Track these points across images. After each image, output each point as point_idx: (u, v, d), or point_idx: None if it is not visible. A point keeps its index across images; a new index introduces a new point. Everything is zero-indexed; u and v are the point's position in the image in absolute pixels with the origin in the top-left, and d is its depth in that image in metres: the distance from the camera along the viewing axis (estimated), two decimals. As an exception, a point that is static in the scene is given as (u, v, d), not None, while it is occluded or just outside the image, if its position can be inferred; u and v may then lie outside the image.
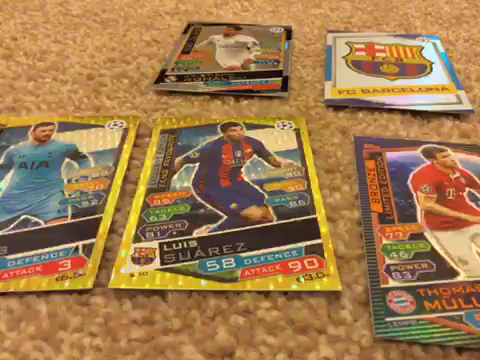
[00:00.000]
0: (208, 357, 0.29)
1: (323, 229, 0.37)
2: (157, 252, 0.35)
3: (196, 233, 0.37)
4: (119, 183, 0.41)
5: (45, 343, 0.30)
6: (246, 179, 0.42)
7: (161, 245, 0.36)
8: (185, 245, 0.36)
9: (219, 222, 0.38)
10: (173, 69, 0.58)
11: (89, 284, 0.33)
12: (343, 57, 0.62)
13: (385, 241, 0.36)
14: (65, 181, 0.42)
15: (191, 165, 0.44)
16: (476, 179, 0.42)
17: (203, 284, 0.33)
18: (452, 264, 0.34)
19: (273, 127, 0.48)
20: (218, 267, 0.34)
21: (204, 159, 0.44)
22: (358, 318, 0.31)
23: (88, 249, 0.35)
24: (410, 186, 0.41)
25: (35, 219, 0.38)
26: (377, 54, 0.62)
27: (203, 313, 0.32)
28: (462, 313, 0.31)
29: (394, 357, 0.29)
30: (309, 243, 0.36)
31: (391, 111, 0.51)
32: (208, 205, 0.39)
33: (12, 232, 0.37)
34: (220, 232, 0.37)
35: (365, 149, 0.45)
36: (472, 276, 0.33)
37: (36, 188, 0.41)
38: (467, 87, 0.55)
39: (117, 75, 0.56)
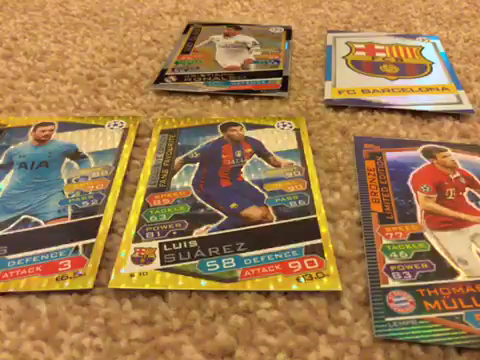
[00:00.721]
0: (208, 357, 0.29)
1: (323, 229, 0.37)
2: (157, 252, 0.35)
3: (196, 233, 0.37)
4: (119, 183, 0.41)
5: (45, 343, 0.30)
6: (246, 179, 0.42)
7: (161, 245, 0.36)
8: (185, 245, 0.36)
9: (219, 222, 0.38)
10: (173, 69, 0.58)
11: (89, 284, 0.33)
12: (343, 57, 0.62)
13: (385, 241, 0.36)
14: (65, 181, 0.42)
15: (191, 165, 0.44)
16: (476, 179, 0.42)
17: (203, 284, 0.33)
18: (452, 264, 0.34)
19: (273, 127, 0.48)
20: (218, 267, 0.34)
21: (204, 159, 0.44)
22: (358, 318, 0.31)
23: (88, 249, 0.35)
24: (410, 186, 0.41)
25: (35, 219, 0.38)
26: (377, 54, 0.62)
27: (203, 313, 0.32)
28: (462, 313, 0.31)
29: (394, 357, 0.29)
30: (309, 243, 0.36)
31: (391, 111, 0.51)
32: (208, 205, 0.39)
33: (12, 232, 0.37)
34: (220, 232, 0.37)
35: (365, 149, 0.45)
36: (472, 276, 0.33)
37: (36, 188, 0.41)
38: (467, 87, 0.55)
39: (117, 75, 0.56)
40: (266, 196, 0.40)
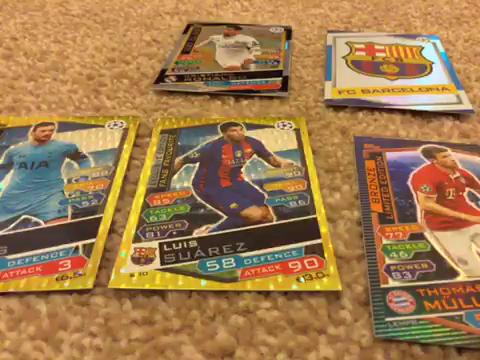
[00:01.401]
0: (208, 357, 0.29)
1: (323, 229, 0.37)
2: (157, 252, 0.35)
3: (196, 233, 0.37)
4: (119, 183, 0.41)
5: (45, 343, 0.30)
6: (246, 179, 0.42)
7: (161, 245, 0.36)
8: (185, 245, 0.36)
9: (219, 222, 0.38)
10: (173, 69, 0.58)
11: (89, 284, 0.33)
12: (343, 57, 0.62)
13: (385, 241, 0.36)
14: (65, 181, 0.42)
15: (191, 165, 0.44)
16: (476, 179, 0.42)
17: (203, 284, 0.33)
18: (452, 264, 0.34)
19: (273, 127, 0.48)
20: (218, 267, 0.34)
21: (204, 159, 0.44)
22: (358, 318, 0.31)
23: (88, 249, 0.35)
24: (410, 186, 0.41)
25: (35, 219, 0.38)
26: (377, 54, 0.62)
27: (203, 313, 0.32)
28: (462, 313, 0.31)
29: (394, 357, 0.29)
30: (309, 243, 0.36)
31: (391, 111, 0.51)
32: (208, 205, 0.39)
33: (12, 232, 0.37)
34: (220, 232, 0.37)
35: (365, 149, 0.45)
36: (472, 276, 0.33)
37: (36, 188, 0.41)
38: (467, 87, 0.55)
39: (117, 75, 0.56)
40: (266, 196, 0.40)
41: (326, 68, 0.59)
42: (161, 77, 0.56)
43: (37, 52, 0.61)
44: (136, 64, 0.59)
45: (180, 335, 0.30)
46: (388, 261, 0.34)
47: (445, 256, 0.35)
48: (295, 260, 0.34)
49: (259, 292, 0.33)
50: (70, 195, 0.40)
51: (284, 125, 0.49)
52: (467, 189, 0.41)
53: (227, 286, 0.33)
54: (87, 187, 0.41)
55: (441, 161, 0.44)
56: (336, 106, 0.52)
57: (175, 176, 0.42)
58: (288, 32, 0.68)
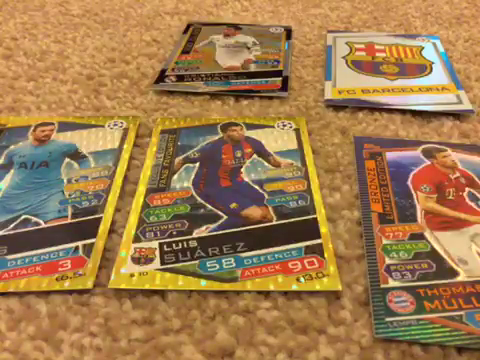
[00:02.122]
0: (208, 357, 0.29)
1: (323, 229, 0.37)
2: (157, 252, 0.35)
3: (196, 233, 0.37)
4: (119, 183, 0.41)
5: (45, 343, 0.30)
6: (246, 179, 0.42)
7: (161, 245, 0.36)
8: (185, 245, 0.36)
9: (219, 222, 0.38)
10: (173, 69, 0.58)
11: (89, 284, 0.33)
12: (343, 57, 0.62)
13: (385, 241, 0.36)
14: (65, 181, 0.42)
15: (191, 165, 0.44)
16: (476, 179, 0.42)
17: (203, 284, 0.33)
18: (452, 264, 0.34)
19: (273, 127, 0.48)
20: (218, 267, 0.34)
21: (204, 159, 0.44)
22: (358, 318, 0.31)
23: (88, 249, 0.35)
24: (410, 186, 0.41)
25: (35, 219, 0.38)
26: (377, 54, 0.62)
27: (203, 313, 0.32)
28: (462, 313, 0.31)
29: (394, 357, 0.29)
30: (309, 243, 0.36)
31: (391, 111, 0.51)
32: (208, 205, 0.39)
33: (12, 232, 0.37)
34: (220, 232, 0.37)
35: (365, 149, 0.45)
36: (472, 276, 0.33)
37: (36, 188, 0.41)
38: (467, 87, 0.55)
39: (117, 75, 0.56)
40: (266, 196, 0.40)
41: (326, 68, 0.59)
42: (161, 77, 0.56)
43: (37, 52, 0.61)
44: (136, 64, 0.59)
45: (180, 335, 0.30)
46: (388, 261, 0.34)
47: (445, 256, 0.35)
48: (295, 260, 0.34)
49: (259, 292, 0.33)
50: (70, 195, 0.40)
51: (284, 125, 0.49)
52: (467, 189, 0.41)
53: (227, 286, 0.33)
54: (87, 187, 0.41)
55: (441, 161, 0.44)
56: (336, 106, 0.52)
57: (175, 176, 0.42)
58: (288, 32, 0.68)
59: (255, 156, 0.45)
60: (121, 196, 0.40)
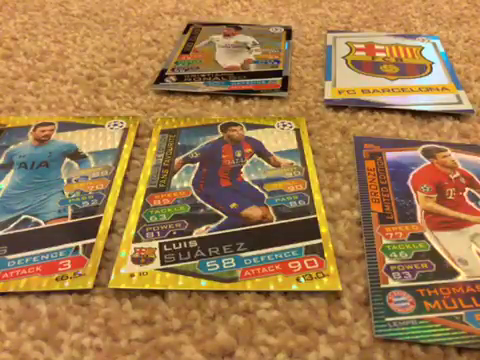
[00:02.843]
0: (208, 357, 0.29)
1: (323, 229, 0.37)
2: (157, 252, 0.35)
3: (196, 233, 0.37)
4: (119, 183, 0.41)
5: (45, 343, 0.30)
6: (246, 179, 0.42)
7: (161, 245, 0.36)
8: (185, 245, 0.36)
9: (219, 222, 0.38)
10: (173, 69, 0.58)
11: (89, 284, 0.33)
12: (343, 57, 0.62)
13: (385, 241, 0.36)
14: (65, 181, 0.42)
15: (191, 165, 0.44)
16: (476, 179, 0.42)
17: (203, 284, 0.33)
18: (452, 264, 0.34)
19: (273, 127, 0.48)
20: (218, 267, 0.34)
21: (204, 159, 0.44)
22: (358, 318, 0.31)
23: (88, 249, 0.35)
24: (410, 186, 0.41)
25: (35, 219, 0.38)
26: (377, 54, 0.62)
27: (203, 313, 0.32)
28: (462, 313, 0.31)
29: (394, 357, 0.29)
30: (309, 243, 0.36)
31: (391, 111, 0.51)
32: (208, 205, 0.39)
33: (12, 232, 0.37)
34: (220, 232, 0.37)
35: (365, 149, 0.45)
36: (472, 276, 0.33)
37: (36, 188, 0.41)
38: (467, 87, 0.55)
39: (117, 75, 0.56)
40: (266, 196, 0.40)
41: (326, 68, 0.59)
42: (161, 77, 0.56)
43: (37, 52, 0.61)
44: (136, 64, 0.59)
45: (180, 335, 0.30)
46: (388, 261, 0.34)
47: (445, 256, 0.35)
48: (295, 260, 0.34)
49: (259, 292, 0.33)
50: (70, 195, 0.40)
51: (284, 125, 0.49)
52: (467, 189, 0.41)
53: (227, 286, 0.33)
54: (87, 187, 0.41)
55: (441, 161, 0.44)
56: (336, 106, 0.52)
57: (175, 176, 0.42)
58: (288, 32, 0.68)
59: (255, 156, 0.45)
60: (121, 196, 0.40)
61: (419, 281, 0.33)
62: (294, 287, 0.32)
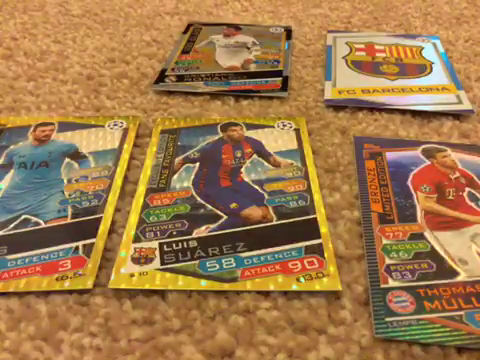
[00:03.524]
0: (208, 357, 0.29)
1: (323, 229, 0.37)
2: (157, 252, 0.35)
3: (196, 233, 0.37)
4: (119, 183, 0.41)
5: (45, 343, 0.30)
6: (246, 179, 0.42)
7: (161, 245, 0.36)
8: (185, 245, 0.36)
9: (219, 222, 0.38)
10: (173, 69, 0.58)
11: (89, 284, 0.33)
12: (343, 57, 0.62)
13: (385, 241, 0.36)
14: (65, 181, 0.42)
15: (191, 165, 0.44)
16: (476, 179, 0.42)
17: (203, 284, 0.33)
18: (452, 264, 0.34)
19: (273, 127, 0.48)
20: (218, 267, 0.34)
21: (204, 159, 0.44)
22: (358, 318, 0.31)
23: (88, 249, 0.35)
24: (410, 186, 0.41)
25: (35, 219, 0.38)
26: (377, 54, 0.62)
27: (203, 313, 0.32)
28: (462, 313, 0.31)
29: (394, 357, 0.29)
30: (309, 243, 0.36)
31: (391, 111, 0.51)
32: (208, 205, 0.39)
33: (12, 232, 0.37)
34: (220, 232, 0.37)
35: (365, 149, 0.45)
36: (472, 276, 0.33)
37: (36, 188, 0.41)
38: (467, 87, 0.55)
39: (117, 75, 0.56)
40: (266, 196, 0.40)
41: (326, 68, 0.59)
42: (161, 77, 0.56)
43: (37, 52, 0.61)
44: (136, 64, 0.59)
45: (180, 335, 0.30)
46: (388, 261, 0.34)
47: (445, 256, 0.35)
48: (295, 260, 0.34)
49: (259, 292, 0.33)
50: (70, 195, 0.40)
51: (284, 125, 0.49)
52: (467, 189, 0.41)
53: (227, 286, 0.33)
54: (87, 187, 0.41)
55: (441, 161, 0.44)
56: (336, 106, 0.52)
57: (175, 176, 0.42)
58: (288, 32, 0.68)
59: (255, 156, 0.45)
60: (121, 196, 0.40)
61: (419, 281, 0.33)
62: (294, 287, 0.32)
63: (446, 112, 0.51)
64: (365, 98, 0.53)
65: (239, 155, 0.45)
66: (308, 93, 0.54)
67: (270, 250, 0.35)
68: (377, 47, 0.64)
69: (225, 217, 0.38)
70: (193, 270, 0.34)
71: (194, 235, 0.36)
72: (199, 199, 0.40)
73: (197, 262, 0.34)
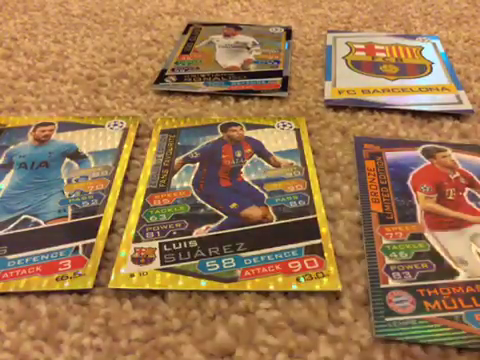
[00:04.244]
0: (208, 357, 0.29)
1: (323, 229, 0.37)
2: (157, 252, 0.35)
3: (196, 233, 0.37)
4: (119, 183, 0.41)
5: (45, 343, 0.30)
6: (246, 179, 0.42)
7: (161, 245, 0.36)
8: (185, 245, 0.36)
9: (219, 222, 0.38)
10: (173, 69, 0.58)
11: (89, 284, 0.33)
12: (343, 57, 0.62)
13: (385, 241, 0.36)
14: (65, 181, 0.42)
15: (191, 165, 0.44)
16: (476, 179, 0.42)
17: (203, 284, 0.33)
18: (452, 264, 0.34)
19: (273, 127, 0.48)
20: (218, 267, 0.34)
21: (204, 159, 0.44)
22: (358, 318, 0.31)
23: (88, 249, 0.35)
24: (410, 186, 0.41)
25: (35, 219, 0.38)
26: (377, 54, 0.62)
27: (203, 313, 0.32)
28: (462, 313, 0.31)
29: (394, 357, 0.29)
30: (309, 243, 0.36)
31: (391, 111, 0.51)
32: (208, 205, 0.39)
33: (12, 232, 0.37)
34: (220, 232, 0.37)
35: (365, 149, 0.45)
36: (472, 276, 0.33)
37: (36, 188, 0.41)
38: (467, 87, 0.55)
39: (117, 75, 0.56)
40: (266, 196, 0.40)
41: (326, 68, 0.59)
42: (161, 77, 0.56)
43: (37, 52, 0.61)
44: (136, 64, 0.59)
45: (180, 335, 0.30)
46: (388, 261, 0.34)
47: (445, 256, 0.35)
48: (295, 260, 0.34)
49: (259, 292, 0.33)
50: (70, 195, 0.40)
51: (284, 125, 0.49)
52: (467, 189, 0.41)
53: (227, 286, 0.33)
54: (87, 187, 0.41)
55: (441, 161, 0.44)
56: (336, 106, 0.52)
57: (175, 176, 0.42)
58: (288, 32, 0.68)
59: (255, 156, 0.45)
60: (121, 196, 0.40)
61: (419, 281, 0.33)
62: (294, 287, 0.32)
63: (446, 112, 0.51)
64: (365, 98, 0.53)
65: (239, 155, 0.45)
66: (308, 93, 0.54)
67: (270, 250, 0.35)
68: (377, 47, 0.64)
69: (225, 217, 0.38)
70: (193, 270, 0.34)
71: (194, 235, 0.36)
72: (199, 199, 0.40)
73: (197, 262, 0.34)
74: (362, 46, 0.64)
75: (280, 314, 0.31)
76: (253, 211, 0.39)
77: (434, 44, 0.65)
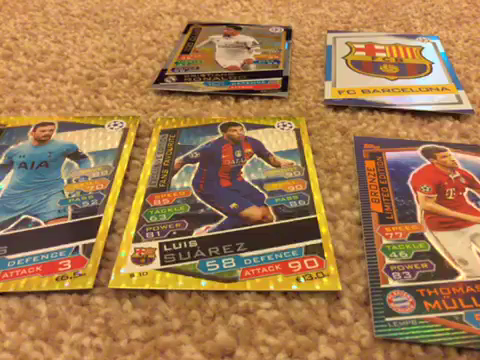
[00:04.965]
0: (208, 357, 0.29)
1: (323, 229, 0.37)
2: (157, 252, 0.35)
3: (196, 233, 0.37)
4: (119, 183, 0.41)
5: (45, 343, 0.30)
6: (246, 179, 0.42)
7: (161, 245, 0.36)
8: (185, 245, 0.36)
9: (219, 222, 0.38)
10: (173, 69, 0.58)
11: (89, 284, 0.33)
12: (343, 57, 0.62)
13: (385, 241, 0.36)
14: (65, 181, 0.42)
15: (191, 165, 0.44)
16: (476, 179, 0.42)
17: (203, 284, 0.33)
18: (452, 264, 0.34)
19: (273, 127, 0.48)
20: (218, 267, 0.34)
21: (204, 159, 0.44)
22: (358, 318, 0.31)
23: (88, 249, 0.35)
24: (410, 186, 0.41)
25: (35, 219, 0.38)
26: (377, 54, 0.62)
27: (203, 313, 0.32)
28: (462, 313, 0.31)
29: (394, 357, 0.29)
30: (309, 243, 0.36)
31: (391, 111, 0.51)
32: (208, 205, 0.39)
33: (12, 232, 0.37)
34: (220, 232, 0.37)
35: (365, 149, 0.45)
36: (472, 276, 0.33)
37: (36, 188, 0.41)
38: (467, 87, 0.55)
39: (117, 75, 0.56)
40: (266, 196, 0.40)
41: (326, 68, 0.59)
42: (161, 77, 0.56)
43: (37, 52, 0.61)
44: (136, 64, 0.59)
45: (180, 335, 0.30)
46: (388, 261, 0.34)
47: (445, 256, 0.35)
48: (295, 260, 0.34)
49: (259, 292, 0.33)
50: (70, 195, 0.40)
51: (284, 125, 0.49)
52: (467, 189, 0.41)
53: (227, 286, 0.33)
54: (87, 187, 0.41)
55: (441, 161, 0.44)
56: (336, 106, 0.52)
57: (175, 176, 0.42)
58: (288, 32, 0.68)
59: (255, 156, 0.45)
60: (121, 196, 0.40)
61: (419, 281, 0.33)
62: (294, 287, 0.32)
63: (446, 112, 0.51)
64: (365, 98, 0.53)
65: (239, 155, 0.45)
66: (308, 93, 0.54)
67: (270, 250, 0.35)
68: (377, 47, 0.64)
69: (225, 217, 0.38)
70: (193, 270, 0.34)
71: (194, 235, 0.36)
72: (199, 199, 0.40)
73: (197, 262, 0.34)
74: (362, 46, 0.64)
75: (280, 314, 0.31)
76: (253, 211, 0.39)
77: (434, 44, 0.65)
